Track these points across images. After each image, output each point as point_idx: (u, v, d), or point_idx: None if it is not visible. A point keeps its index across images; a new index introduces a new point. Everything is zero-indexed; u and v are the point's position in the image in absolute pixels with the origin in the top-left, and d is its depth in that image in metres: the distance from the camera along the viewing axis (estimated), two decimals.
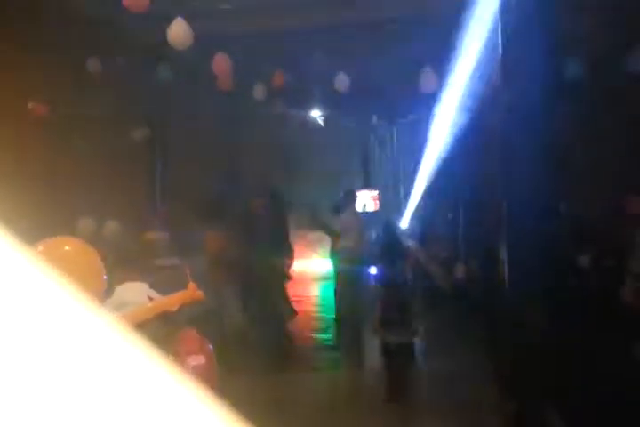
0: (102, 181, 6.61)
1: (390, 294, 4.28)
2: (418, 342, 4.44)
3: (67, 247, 1.88)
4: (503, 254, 5.59)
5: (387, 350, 4.13)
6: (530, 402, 2.96)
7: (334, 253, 6.32)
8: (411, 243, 7.33)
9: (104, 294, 2.00)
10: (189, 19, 5.35)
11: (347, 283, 5.93)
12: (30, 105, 5.53)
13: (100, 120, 6.70)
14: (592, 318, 2.98)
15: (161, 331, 1.90)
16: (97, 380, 0.55)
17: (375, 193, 13.23)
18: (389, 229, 5.77)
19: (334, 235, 6.24)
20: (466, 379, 4.40)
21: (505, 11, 4.66)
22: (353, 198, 6.56)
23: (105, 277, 2.11)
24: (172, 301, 1.99)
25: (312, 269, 10.02)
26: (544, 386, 2.95)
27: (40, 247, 1.82)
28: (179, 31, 5.31)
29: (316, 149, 14.28)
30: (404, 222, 12.28)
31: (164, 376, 0.59)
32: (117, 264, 5.40)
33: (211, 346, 2.10)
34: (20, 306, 0.58)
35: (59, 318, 0.59)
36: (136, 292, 1.99)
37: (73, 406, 0.52)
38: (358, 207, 9.82)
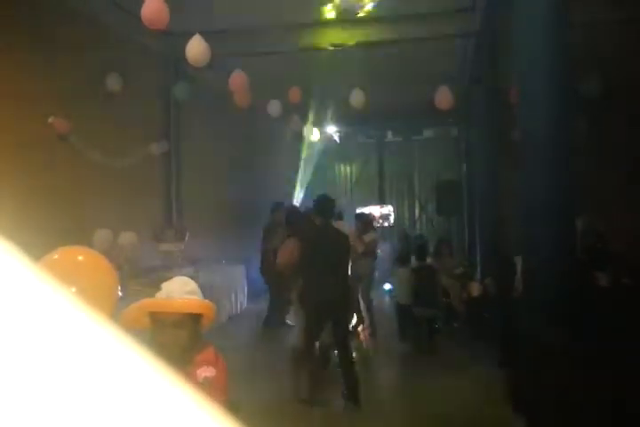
0: (120, 193, 6.70)
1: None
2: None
3: (80, 257, 1.90)
4: (519, 271, 5.52)
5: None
6: (543, 418, 2.90)
7: None
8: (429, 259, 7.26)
9: (117, 303, 2.01)
10: (207, 36, 5.45)
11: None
12: (50, 120, 5.64)
13: (118, 134, 6.81)
14: (610, 336, 2.92)
15: (186, 340, 1.92)
16: (105, 390, 0.55)
17: (390, 208, 13.23)
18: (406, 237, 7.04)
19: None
20: (479, 395, 4.34)
21: (519, 31, 4.68)
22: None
23: (118, 287, 2.12)
24: (205, 307, 2.02)
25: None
26: (558, 403, 2.89)
27: (55, 256, 1.85)
28: (197, 48, 5.40)
29: (330, 165, 14.36)
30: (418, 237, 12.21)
31: (171, 388, 0.59)
32: (132, 275, 5.43)
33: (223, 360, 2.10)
34: (28, 314, 0.58)
35: (67, 327, 0.59)
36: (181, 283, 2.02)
37: (80, 414, 0.52)
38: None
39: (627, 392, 2.72)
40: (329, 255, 4.27)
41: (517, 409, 3.15)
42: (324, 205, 4.52)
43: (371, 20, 7.27)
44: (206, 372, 1.87)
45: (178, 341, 1.88)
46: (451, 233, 11.93)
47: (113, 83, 6.40)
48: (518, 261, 5.53)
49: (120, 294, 2.83)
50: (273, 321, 7.22)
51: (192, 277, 2.09)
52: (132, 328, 2.01)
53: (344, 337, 4.41)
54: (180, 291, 1.96)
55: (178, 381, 0.62)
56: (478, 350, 5.65)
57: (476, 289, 6.49)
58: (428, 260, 6.92)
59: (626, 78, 6.88)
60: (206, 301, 2.02)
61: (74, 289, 1.78)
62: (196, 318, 1.97)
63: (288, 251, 4.54)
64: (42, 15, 5.56)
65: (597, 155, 7.75)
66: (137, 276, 5.51)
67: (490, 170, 7.40)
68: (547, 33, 4.46)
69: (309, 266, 4.26)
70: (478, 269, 7.29)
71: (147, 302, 1.97)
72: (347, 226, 6.78)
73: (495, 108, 7.32)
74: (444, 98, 7.23)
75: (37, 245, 2.74)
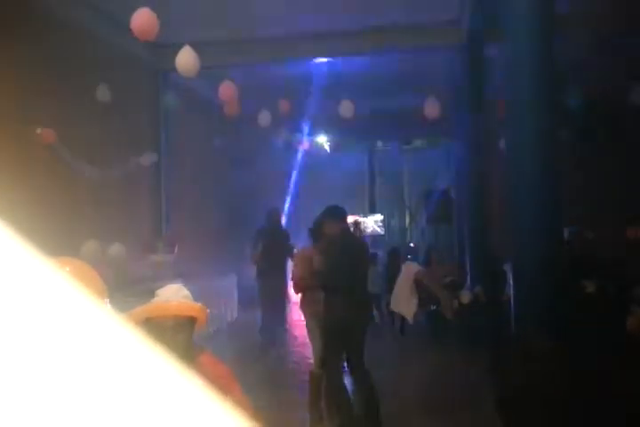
0: (108, 204, 6.68)
1: None
2: None
3: (67, 268, 1.90)
4: (509, 280, 5.56)
5: None
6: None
7: None
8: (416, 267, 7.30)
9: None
10: (196, 47, 5.49)
11: None
12: (38, 131, 5.63)
13: (107, 145, 6.80)
14: (597, 345, 2.95)
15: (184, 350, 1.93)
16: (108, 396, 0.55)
17: (380, 218, 13.27)
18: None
19: None
20: (468, 406, 4.35)
21: (504, 43, 4.75)
22: None
23: (107, 299, 2.12)
24: (200, 311, 2.05)
25: None
26: (549, 414, 2.91)
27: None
28: (186, 59, 5.43)
29: (321, 174, 14.41)
30: (409, 247, 12.28)
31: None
32: (121, 287, 5.40)
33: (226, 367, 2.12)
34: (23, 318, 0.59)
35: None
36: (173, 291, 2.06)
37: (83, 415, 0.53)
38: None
39: (613, 395, 2.74)
40: (354, 267, 3.91)
41: (505, 419, 3.17)
42: (341, 214, 4.12)
43: (360, 32, 7.37)
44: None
45: (177, 345, 1.89)
46: (440, 242, 11.99)
47: (102, 94, 6.41)
48: (508, 269, 5.58)
49: (108, 305, 2.82)
50: (269, 330, 7.01)
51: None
52: None
53: (361, 357, 3.94)
54: (176, 296, 2.01)
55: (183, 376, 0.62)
56: (467, 358, 5.67)
57: (465, 297, 6.52)
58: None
59: (607, 92, 7.01)
60: (200, 304, 2.07)
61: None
62: (192, 322, 2.02)
63: (307, 261, 4.17)
64: (28, 25, 5.57)
65: (583, 165, 7.86)
66: (126, 287, 5.48)
67: (478, 179, 7.47)
68: (532, 46, 4.55)
69: (336, 279, 3.85)
70: (468, 277, 7.33)
71: (146, 308, 2.00)
72: None
73: (481, 117, 7.41)
74: (432, 108, 7.32)
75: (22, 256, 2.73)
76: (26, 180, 5.50)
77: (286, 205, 12.71)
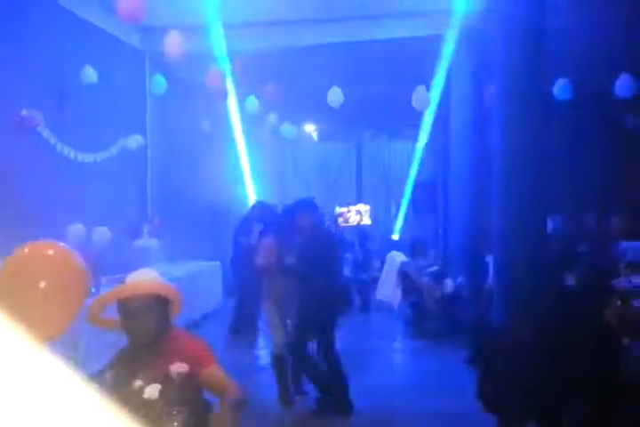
0: (94, 188, 6.62)
1: None
2: None
3: (51, 251, 1.89)
4: (491, 271, 5.63)
5: None
6: (512, 417, 2.97)
7: None
8: (400, 257, 7.36)
9: (86, 298, 2.00)
10: (185, 31, 5.42)
11: None
12: (23, 112, 5.54)
13: (94, 128, 6.72)
14: (578, 338, 3.00)
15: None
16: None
17: (367, 207, 13.30)
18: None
19: None
20: (449, 393, 4.42)
21: (499, 34, 4.76)
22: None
23: (90, 282, 2.11)
24: (168, 289, 2.05)
25: None
26: (528, 404, 2.96)
27: (26, 249, 1.83)
28: (174, 43, 5.37)
29: (308, 163, 14.38)
30: (395, 236, 12.34)
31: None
32: (106, 271, 5.37)
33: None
34: None
35: None
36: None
37: None
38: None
39: (597, 389, 2.80)
40: (324, 256, 4.17)
41: (487, 407, 3.22)
42: (312, 206, 4.36)
43: (350, 18, 7.32)
44: (180, 368, 1.89)
45: (146, 326, 1.92)
46: (426, 232, 12.06)
47: (87, 76, 6.31)
48: (490, 260, 5.65)
49: (93, 290, 2.81)
50: (243, 326, 6.64)
51: (167, 273, 2.12)
52: (100, 327, 2.02)
53: (332, 342, 4.21)
54: (143, 278, 2.02)
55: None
56: (448, 347, 5.75)
57: (448, 287, 6.60)
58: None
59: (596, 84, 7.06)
60: (170, 283, 2.07)
61: (43, 284, 1.77)
62: (161, 302, 2.00)
63: (267, 250, 4.39)
64: (15, 5, 5.45)
65: (570, 157, 7.93)
66: (111, 272, 5.45)
67: (464, 171, 7.52)
68: (523, 35, 4.56)
69: (308, 268, 4.09)
70: (452, 267, 7.41)
71: (114, 290, 2.03)
72: None
73: (470, 108, 7.43)
74: (420, 98, 7.31)
75: (8, 240, 2.71)
76: (9, 163, 5.43)
77: (272, 192, 12.68)
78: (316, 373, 4.15)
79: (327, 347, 4.17)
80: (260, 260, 4.45)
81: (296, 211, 4.31)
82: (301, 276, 4.09)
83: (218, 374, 2.01)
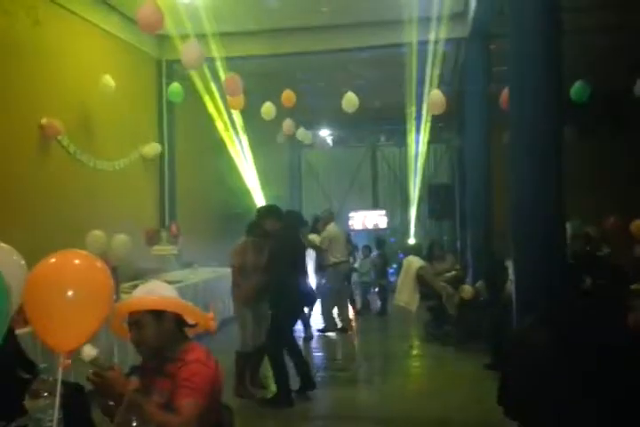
0: (113, 195, 6.70)
1: None
2: None
3: (77, 261, 1.92)
4: (510, 276, 5.56)
5: None
6: (532, 424, 2.93)
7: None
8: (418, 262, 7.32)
9: (112, 306, 2.03)
10: (202, 40, 5.48)
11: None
12: (43, 121, 5.63)
13: (112, 137, 6.81)
14: (599, 342, 2.95)
15: None
16: None
17: (383, 212, 13.26)
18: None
19: (319, 250, 6.90)
20: (469, 398, 4.38)
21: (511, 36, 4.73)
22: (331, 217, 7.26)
23: (114, 289, 2.14)
24: (193, 310, 2.02)
25: None
26: (545, 408, 2.93)
27: (52, 259, 1.87)
28: (191, 52, 5.42)
29: (322, 167, 14.39)
30: (411, 240, 12.26)
31: None
32: (125, 278, 5.41)
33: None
34: None
35: None
36: (167, 288, 2.05)
37: None
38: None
39: (618, 393, 2.76)
40: (294, 258, 4.59)
41: (508, 414, 3.18)
42: (279, 212, 4.72)
43: (364, 24, 7.33)
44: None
45: (143, 339, 1.91)
46: (443, 236, 11.99)
47: (106, 84, 6.40)
48: (510, 264, 5.58)
49: (114, 297, 2.85)
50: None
51: (185, 280, 2.11)
52: (122, 338, 2.04)
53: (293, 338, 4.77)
54: (140, 292, 1.98)
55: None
56: (468, 352, 5.70)
57: (468, 292, 6.53)
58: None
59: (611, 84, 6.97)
60: (169, 297, 1.96)
61: (71, 293, 1.80)
62: (157, 315, 1.91)
63: (243, 254, 4.68)
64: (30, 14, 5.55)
65: (586, 159, 7.85)
66: (130, 278, 5.50)
67: (481, 173, 7.46)
68: (538, 38, 4.52)
69: (277, 269, 4.47)
70: (470, 272, 7.34)
71: (116, 305, 2.06)
72: (333, 230, 7.00)
73: (486, 111, 7.38)
74: (436, 102, 7.28)
75: (30, 246, 2.76)
76: (31, 171, 5.52)
77: (287, 198, 12.71)
78: (282, 372, 4.42)
79: (292, 341, 4.65)
80: (233, 261, 4.67)
81: (266, 216, 4.63)
82: (273, 275, 4.44)
83: (182, 405, 1.81)
